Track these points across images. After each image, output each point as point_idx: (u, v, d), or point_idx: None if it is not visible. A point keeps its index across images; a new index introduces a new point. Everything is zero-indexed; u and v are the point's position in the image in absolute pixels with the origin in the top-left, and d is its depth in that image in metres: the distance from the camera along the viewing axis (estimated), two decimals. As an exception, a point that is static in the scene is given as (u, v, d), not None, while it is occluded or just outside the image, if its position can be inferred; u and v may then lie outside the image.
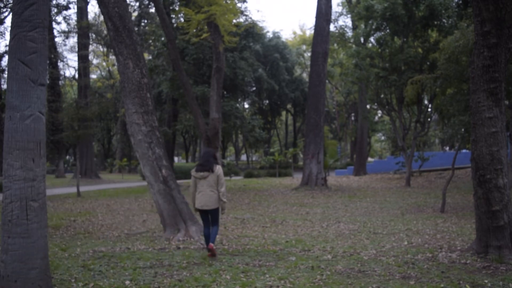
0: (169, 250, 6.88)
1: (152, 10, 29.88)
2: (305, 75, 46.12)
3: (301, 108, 43.68)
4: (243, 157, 65.24)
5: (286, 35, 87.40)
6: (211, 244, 6.36)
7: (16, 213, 4.06)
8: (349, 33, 31.12)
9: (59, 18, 49.72)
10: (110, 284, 4.92)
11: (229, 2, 16.96)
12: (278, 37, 41.52)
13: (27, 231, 4.08)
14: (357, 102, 34.58)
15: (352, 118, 46.52)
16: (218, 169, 6.47)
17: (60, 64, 36.14)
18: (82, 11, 31.54)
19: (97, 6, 53.80)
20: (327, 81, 27.31)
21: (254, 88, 38.94)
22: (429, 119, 22.18)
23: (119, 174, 39.87)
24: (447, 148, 43.75)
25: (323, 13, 20.04)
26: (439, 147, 49.76)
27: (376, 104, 26.57)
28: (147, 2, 29.96)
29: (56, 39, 33.28)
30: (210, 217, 6.53)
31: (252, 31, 26.89)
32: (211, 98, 16.56)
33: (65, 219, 11.02)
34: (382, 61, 21.03)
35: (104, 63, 46.05)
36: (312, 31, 23.68)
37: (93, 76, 47.54)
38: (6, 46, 31.94)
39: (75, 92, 42.86)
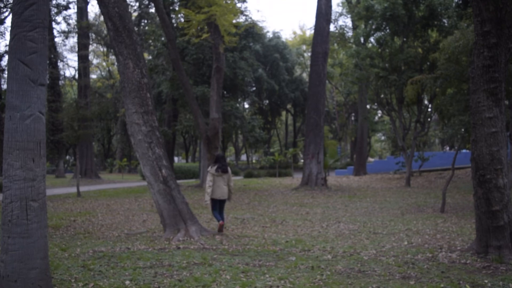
0: (169, 250, 6.88)
1: (152, 10, 29.89)
2: (305, 75, 46.12)
3: (301, 108, 43.68)
4: (243, 157, 65.23)
5: (286, 35, 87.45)
6: (222, 221, 8.51)
7: (16, 213, 4.06)
8: (349, 33, 31.15)
9: (59, 18, 49.81)
10: (110, 284, 4.92)
11: (229, 2, 16.97)
12: (278, 37, 41.51)
13: (27, 231, 4.08)
14: (357, 102, 34.60)
15: (352, 118, 46.53)
16: (229, 170, 8.79)
17: (60, 64, 36.23)
18: (82, 11, 31.54)
19: (97, 6, 53.82)
20: (327, 81, 27.31)
21: (254, 88, 38.93)
22: (429, 119, 22.19)
23: (119, 174, 39.87)
24: (447, 148, 43.77)
25: (323, 13, 20.04)
26: (439, 147, 49.77)
27: (376, 104, 26.60)
28: (147, 2, 29.96)
29: (56, 39, 33.33)
30: (220, 205, 8.72)
31: (252, 31, 26.89)
32: (211, 98, 16.57)
33: (65, 219, 11.02)
34: (382, 61, 21.03)
35: (104, 63, 46.04)
36: (312, 31, 23.69)
37: (93, 76, 47.52)
38: (6, 46, 32.00)
39: (75, 92, 42.86)
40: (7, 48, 14.66)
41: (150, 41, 28.42)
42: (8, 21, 27.22)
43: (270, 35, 41.20)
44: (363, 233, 8.72)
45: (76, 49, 35.03)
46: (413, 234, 8.34)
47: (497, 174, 5.95)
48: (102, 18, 30.97)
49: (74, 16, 33.19)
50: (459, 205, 13.21)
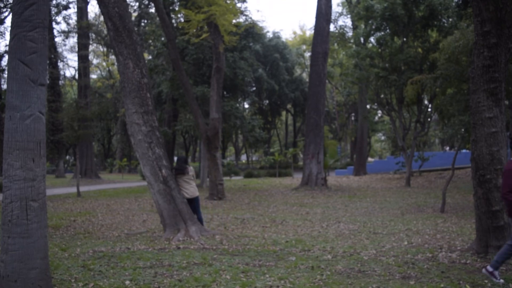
0: (169, 250, 6.88)
1: (152, 10, 29.89)
2: (305, 75, 46.12)
3: (301, 108, 43.67)
4: (243, 157, 65.21)
5: (286, 35, 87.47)
6: None
7: (16, 213, 4.06)
8: (349, 33, 31.16)
9: (59, 18, 49.80)
10: (110, 284, 4.92)
11: (229, 2, 16.95)
12: (278, 37, 41.49)
13: (27, 231, 4.08)
14: (357, 102, 34.62)
15: (352, 118, 46.51)
16: (190, 170, 8.71)
17: (60, 64, 36.20)
18: (82, 11, 31.55)
19: (97, 6, 53.79)
20: (327, 81, 27.32)
21: (254, 88, 38.90)
22: (429, 119, 22.19)
23: (119, 174, 39.87)
24: (447, 148, 43.76)
25: (323, 13, 20.04)
26: (439, 147, 49.76)
27: (376, 104, 26.59)
28: (147, 2, 29.96)
29: (56, 39, 33.33)
30: (192, 204, 8.58)
31: (252, 31, 26.85)
32: (211, 98, 16.55)
33: (65, 219, 11.02)
34: (382, 61, 21.04)
35: (104, 63, 46.03)
36: (312, 31, 23.70)
37: (93, 76, 47.52)
38: (6, 46, 32.02)
39: (75, 92, 42.85)
40: (7, 48, 14.66)
41: (150, 41, 28.40)
42: (8, 21, 27.24)
43: (270, 35, 41.20)
44: (363, 233, 8.72)
45: (76, 49, 35.06)
46: (413, 234, 8.34)
47: (497, 174, 5.95)
48: (102, 18, 30.97)
49: (74, 16, 33.26)
50: (459, 205, 13.21)
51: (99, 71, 49.57)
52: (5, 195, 4.11)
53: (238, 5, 22.47)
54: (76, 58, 47.69)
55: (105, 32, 33.25)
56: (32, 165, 4.11)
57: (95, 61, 48.03)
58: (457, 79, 13.38)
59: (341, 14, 32.90)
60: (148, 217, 11.47)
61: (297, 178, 25.22)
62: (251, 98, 38.83)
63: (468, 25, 14.58)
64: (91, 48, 41.72)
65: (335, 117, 47.65)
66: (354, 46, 25.46)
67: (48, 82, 26.58)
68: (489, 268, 5.05)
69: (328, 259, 6.25)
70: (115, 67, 38.40)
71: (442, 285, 4.89)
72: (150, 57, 28.91)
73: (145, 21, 32.47)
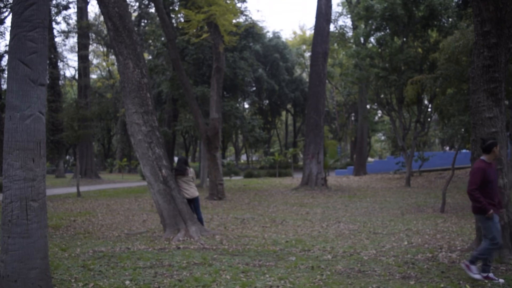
0: (169, 250, 6.88)
1: (152, 10, 29.90)
2: (305, 75, 46.13)
3: (301, 108, 43.67)
4: (243, 157, 65.22)
5: (286, 35, 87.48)
6: None
7: (16, 213, 4.06)
8: (349, 33, 31.17)
9: (59, 18, 49.81)
10: (110, 284, 4.92)
11: (229, 2, 16.95)
12: (278, 37, 41.49)
13: (27, 231, 4.08)
14: (357, 102, 34.62)
15: (352, 118, 46.51)
16: (190, 171, 8.70)
17: (60, 64, 36.21)
18: (82, 11, 31.55)
19: (97, 6, 53.81)
20: (327, 81, 27.33)
21: (254, 88, 38.91)
22: (429, 119, 22.19)
23: (119, 174, 39.86)
24: (447, 148, 43.76)
25: (323, 13, 20.04)
26: (439, 147, 49.76)
27: (376, 104, 26.61)
28: (147, 2, 29.96)
29: (56, 39, 33.33)
30: (193, 204, 8.61)
31: (252, 31, 26.85)
32: (211, 98, 16.55)
33: (65, 219, 11.02)
34: (382, 61, 21.04)
35: (104, 63, 46.02)
36: (312, 31, 23.70)
37: (93, 76, 47.50)
38: (6, 46, 32.04)
39: (75, 92, 42.85)
40: (7, 48, 14.66)
41: (150, 41, 28.41)
42: (8, 21, 27.26)
43: (270, 35, 41.19)
44: (363, 233, 8.72)
45: (76, 49, 35.06)
46: (413, 234, 8.34)
47: (497, 174, 5.94)
48: (102, 18, 30.98)
49: (74, 16, 33.26)
50: (459, 205, 13.20)
51: (99, 71, 49.57)
52: (5, 195, 4.11)
53: (238, 5, 22.48)
54: (76, 58, 47.76)
55: (105, 32, 33.26)
56: (32, 165, 4.11)
57: (95, 61, 48.08)
58: (457, 79, 13.38)
59: (341, 14, 32.92)
60: (148, 217, 11.47)
61: (297, 178, 25.22)
62: (251, 98, 38.83)
63: (468, 25, 14.58)
64: (91, 48, 41.73)
65: (335, 117, 47.64)
66: (354, 46, 25.47)
67: (48, 82, 26.59)
68: (483, 274, 5.09)
69: (328, 259, 6.25)
70: (115, 67, 38.40)
71: (442, 285, 4.89)
72: (150, 57, 28.91)
73: (145, 21, 32.48)
